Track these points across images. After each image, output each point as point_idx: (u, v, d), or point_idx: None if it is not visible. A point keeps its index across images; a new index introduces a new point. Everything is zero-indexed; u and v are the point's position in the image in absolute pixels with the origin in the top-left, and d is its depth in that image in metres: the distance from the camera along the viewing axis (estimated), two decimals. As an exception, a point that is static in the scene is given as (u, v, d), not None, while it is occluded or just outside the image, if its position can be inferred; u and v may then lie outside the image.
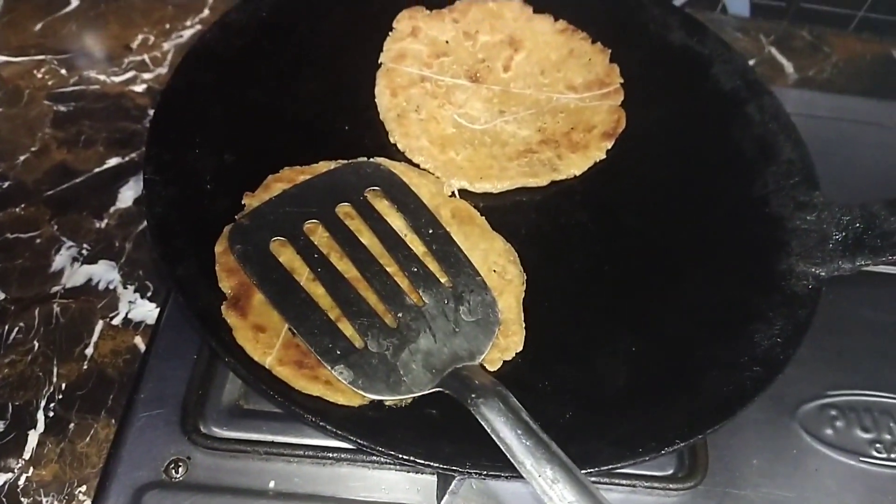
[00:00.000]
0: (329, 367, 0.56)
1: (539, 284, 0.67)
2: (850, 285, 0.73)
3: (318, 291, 0.61)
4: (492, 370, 0.60)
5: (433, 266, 0.63)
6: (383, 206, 0.67)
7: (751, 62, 1.13)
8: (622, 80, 0.81)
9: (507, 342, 0.62)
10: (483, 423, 0.52)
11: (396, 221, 0.66)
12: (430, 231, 0.65)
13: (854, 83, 1.14)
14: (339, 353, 0.57)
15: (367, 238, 0.64)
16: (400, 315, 0.59)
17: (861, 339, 0.80)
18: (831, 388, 0.77)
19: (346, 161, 0.71)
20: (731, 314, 0.65)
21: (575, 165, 0.75)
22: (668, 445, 0.55)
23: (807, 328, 0.64)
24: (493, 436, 0.52)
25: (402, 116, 0.77)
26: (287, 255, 0.62)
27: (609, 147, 0.77)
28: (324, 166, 0.70)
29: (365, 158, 0.71)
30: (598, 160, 0.76)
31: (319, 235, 0.65)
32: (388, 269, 0.62)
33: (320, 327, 0.58)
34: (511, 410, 0.52)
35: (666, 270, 0.69)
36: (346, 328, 0.59)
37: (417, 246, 0.65)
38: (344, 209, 0.66)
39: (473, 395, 0.53)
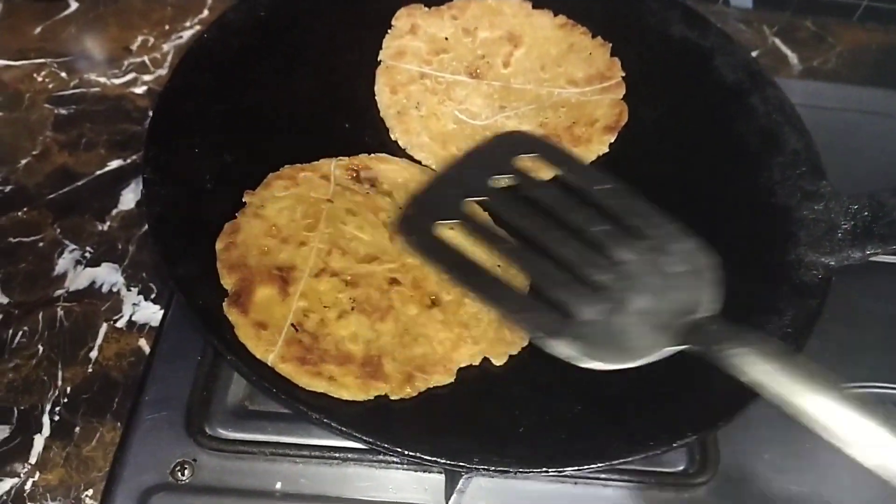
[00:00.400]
0: (546, 344, 0.51)
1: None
2: (859, 276, 0.72)
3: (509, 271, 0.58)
4: (498, 364, 0.60)
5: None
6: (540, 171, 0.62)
7: (754, 53, 1.13)
8: (623, 74, 0.80)
9: (514, 336, 0.61)
10: (740, 377, 0.47)
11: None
12: (603, 187, 0.59)
13: (859, 73, 1.13)
14: (553, 327, 0.51)
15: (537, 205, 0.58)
16: (604, 277, 0.53)
17: (872, 330, 0.79)
18: (843, 380, 0.76)
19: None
20: (740, 306, 0.64)
21: (578, 159, 0.75)
22: (679, 438, 0.55)
23: (817, 318, 0.63)
24: (757, 389, 0.46)
25: (403, 113, 0.76)
26: (460, 237, 0.58)
27: (611, 141, 0.76)
28: (325, 164, 0.70)
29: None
30: (600, 154, 0.76)
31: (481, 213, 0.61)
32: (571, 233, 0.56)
33: (525, 305, 0.54)
34: (774, 355, 0.46)
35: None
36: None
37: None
38: (502, 181, 0.60)
39: (723, 348, 0.48)
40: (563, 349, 0.51)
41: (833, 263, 0.66)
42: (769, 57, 1.14)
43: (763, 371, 0.46)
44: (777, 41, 1.16)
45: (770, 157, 0.75)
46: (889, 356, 0.77)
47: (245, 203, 0.66)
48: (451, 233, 0.58)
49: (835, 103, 1.03)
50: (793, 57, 1.15)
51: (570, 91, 0.79)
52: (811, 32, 1.18)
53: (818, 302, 0.64)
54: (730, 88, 0.80)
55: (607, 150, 0.75)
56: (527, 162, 0.61)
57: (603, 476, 0.67)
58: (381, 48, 0.81)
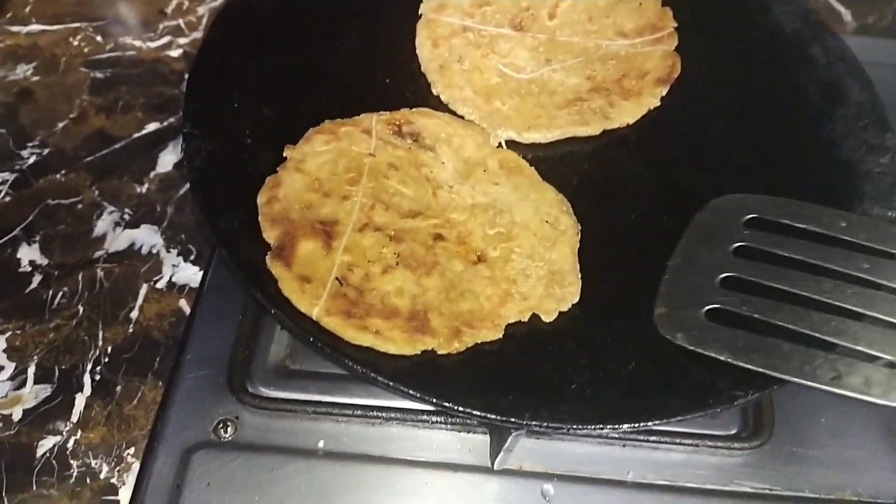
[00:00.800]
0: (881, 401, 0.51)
1: (594, 235, 0.64)
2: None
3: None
4: (548, 321, 0.57)
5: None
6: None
7: (807, 9, 1.08)
8: (675, 24, 0.77)
9: (564, 293, 0.59)
10: None
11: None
12: (867, 226, 0.59)
13: (917, 29, 1.08)
14: (879, 382, 0.51)
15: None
16: (875, 309, 0.54)
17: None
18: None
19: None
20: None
21: (628, 113, 0.72)
22: (740, 397, 0.52)
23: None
24: None
25: (445, 67, 0.74)
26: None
27: (663, 94, 0.73)
28: (366, 119, 0.68)
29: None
30: (651, 108, 0.72)
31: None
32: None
33: (814, 361, 0.53)
34: None
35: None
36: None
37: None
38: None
39: None
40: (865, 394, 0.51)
41: (900, 218, 0.63)
42: (822, 13, 1.08)
43: None
44: (831, -2, 1.11)
45: (832, 110, 0.71)
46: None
47: (285, 158, 0.64)
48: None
49: (891, 59, 0.98)
50: (846, 13, 1.10)
51: (619, 43, 0.76)
52: (866, -12, 1.13)
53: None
54: (788, 39, 0.76)
55: (659, 103, 0.72)
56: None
57: (653, 438, 0.65)
58: (421, 1, 0.78)
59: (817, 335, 0.54)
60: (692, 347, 0.54)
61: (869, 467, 0.66)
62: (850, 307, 0.55)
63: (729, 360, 0.53)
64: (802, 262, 0.57)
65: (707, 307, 0.56)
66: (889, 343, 0.53)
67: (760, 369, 0.53)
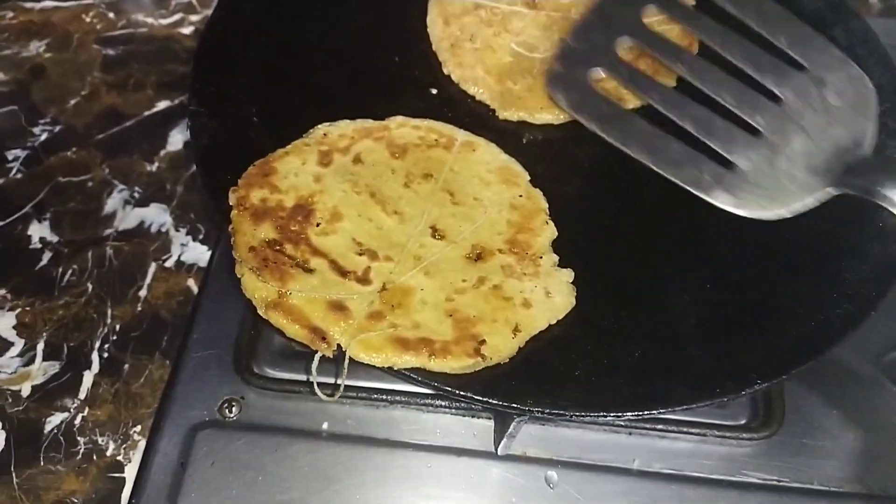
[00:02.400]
0: (706, 196, 0.52)
1: (605, 220, 0.63)
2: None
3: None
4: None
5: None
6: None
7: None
8: (694, 2, 0.75)
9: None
10: None
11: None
12: (758, 10, 0.56)
13: (947, 11, 1.05)
14: (710, 179, 0.51)
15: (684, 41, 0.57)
16: (762, 120, 0.52)
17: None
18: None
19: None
20: (817, 249, 0.60)
21: (642, 95, 0.70)
22: (748, 386, 0.51)
23: (901, 264, 0.58)
24: None
25: (456, 46, 0.73)
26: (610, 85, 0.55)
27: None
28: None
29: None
30: (667, 87, 0.70)
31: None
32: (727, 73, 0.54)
33: (680, 156, 0.52)
34: None
35: (742, 205, 0.64)
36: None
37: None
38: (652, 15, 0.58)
39: (884, 187, 0.46)
40: (721, 201, 0.50)
41: (920, 205, 0.61)
42: (848, -6, 1.06)
43: None
44: (857, -23, 1.08)
45: (853, 93, 0.69)
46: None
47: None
48: (604, 84, 0.55)
49: (918, 43, 0.94)
50: (873, -6, 1.07)
51: (634, 22, 0.74)
52: (895, -33, 1.09)
53: (903, 247, 0.59)
54: (810, 18, 0.73)
55: (675, 84, 0.70)
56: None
57: (660, 426, 0.64)
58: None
59: (697, 136, 0.53)
60: (570, 112, 0.54)
61: (879, 461, 0.65)
62: (746, 118, 0.53)
63: (596, 130, 0.54)
64: (710, 49, 0.55)
65: (596, 71, 0.55)
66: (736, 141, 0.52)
67: (614, 142, 0.54)
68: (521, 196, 0.62)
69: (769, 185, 0.49)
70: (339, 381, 0.52)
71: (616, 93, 0.55)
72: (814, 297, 0.57)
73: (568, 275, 0.57)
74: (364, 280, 0.55)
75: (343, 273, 0.55)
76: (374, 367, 0.51)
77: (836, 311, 0.56)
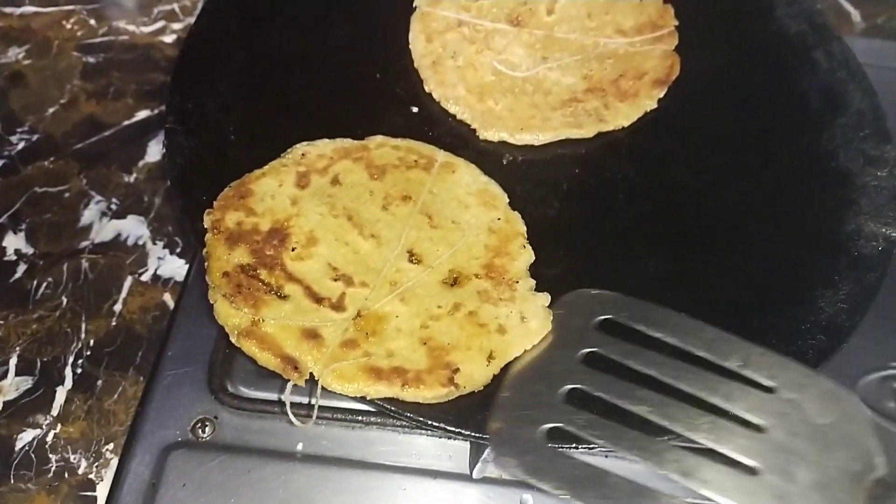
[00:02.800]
0: None
1: (583, 243, 0.62)
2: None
3: None
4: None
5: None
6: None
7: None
8: (676, 23, 0.75)
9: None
10: None
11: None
12: (706, 338, 0.51)
13: (929, 31, 1.05)
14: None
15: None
16: (756, 460, 0.46)
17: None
18: (895, 359, 0.72)
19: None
20: (792, 278, 0.60)
21: (623, 116, 0.70)
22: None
23: (875, 293, 0.59)
24: None
25: (438, 63, 0.72)
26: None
27: (661, 96, 0.71)
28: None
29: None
30: (648, 110, 0.70)
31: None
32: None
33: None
34: None
35: (720, 230, 0.64)
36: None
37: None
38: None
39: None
40: None
41: (895, 235, 0.61)
42: (830, 13, 1.06)
43: None
44: (840, -5, 1.09)
45: (832, 118, 0.69)
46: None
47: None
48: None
49: (899, 63, 0.95)
50: (855, 14, 1.08)
51: (617, 41, 0.74)
52: (878, -14, 1.10)
53: (877, 276, 0.60)
54: (792, 41, 0.74)
55: (656, 105, 0.70)
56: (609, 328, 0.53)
57: (636, 451, 0.64)
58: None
59: (659, 471, 0.47)
60: (526, 478, 0.47)
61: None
62: (699, 441, 0.48)
63: (564, 495, 0.46)
64: (654, 378, 0.50)
65: (547, 426, 0.49)
66: (736, 489, 0.46)
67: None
68: (499, 219, 0.61)
69: None
70: (312, 402, 0.51)
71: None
72: (789, 326, 0.57)
73: (544, 299, 0.57)
74: (338, 307, 0.54)
75: (318, 300, 0.54)
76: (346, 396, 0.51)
77: (810, 342, 0.56)
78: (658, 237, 0.64)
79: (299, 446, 0.64)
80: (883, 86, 0.73)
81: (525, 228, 0.61)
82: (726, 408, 0.48)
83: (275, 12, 0.73)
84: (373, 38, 0.74)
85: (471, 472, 0.62)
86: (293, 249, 0.56)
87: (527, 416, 0.49)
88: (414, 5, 0.76)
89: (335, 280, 0.56)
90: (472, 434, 0.50)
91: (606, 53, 0.74)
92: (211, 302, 0.53)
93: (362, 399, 0.51)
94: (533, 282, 0.58)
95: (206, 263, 0.55)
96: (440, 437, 0.65)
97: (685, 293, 0.60)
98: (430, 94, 0.71)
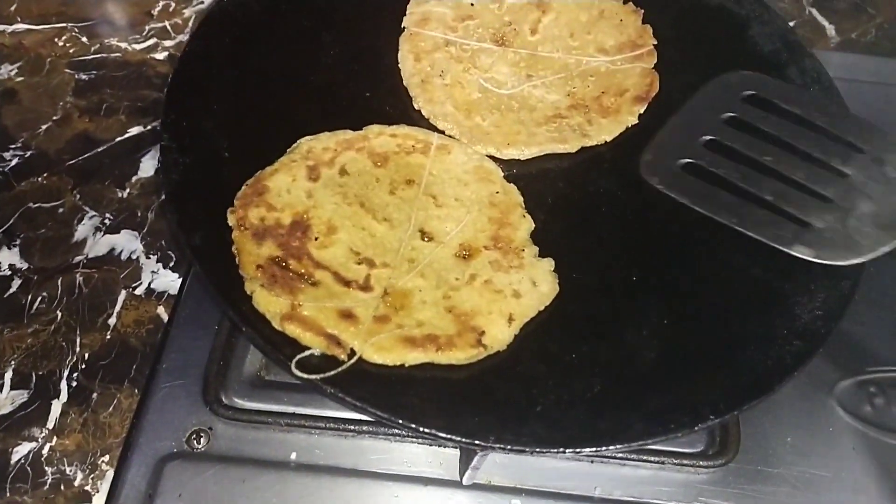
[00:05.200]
0: (788, 250, 0.61)
1: (566, 255, 0.64)
2: (893, 258, 0.70)
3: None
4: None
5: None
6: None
7: (790, 24, 1.08)
8: (655, 42, 0.77)
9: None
10: None
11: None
12: (821, 106, 0.70)
13: (900, 46, 1.09)
14: (790, 236, 0.61)
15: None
16: (831, 191, 0.64)
17: (905, 313, 0.77)
18: (871, 363, 0.74)
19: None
20: (770, 286, 0.62)
21: (606, 131, 0.72)
22: (701, 421, 0.53)
23: (850, 300, 0.61)
24: None
25: (426, 82, 0.74)
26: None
27: (641, 112, 0.73)
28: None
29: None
30: (629, 125, 0.73)
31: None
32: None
33: (763, 219, 0.63)
34: None
35: (700, 240, 0.66)
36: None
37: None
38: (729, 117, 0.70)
39: None
40: (803, 252, 0.60)
41: (868, 243, 0.64)
42: (806, 28, 1.10)
43: None
44: (814, 11, 1.12)
45: (806, 132, 0.72)
46: (922, 341, 0.75)
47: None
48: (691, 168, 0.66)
49: (873, 77, 0.98)
50: (830, 28, 1.11)
51: (599, 59, 0.77)
52: (850, 2, 1.13)
53: (851, 283, 0.62)
54: (766, 59, 0.77)
55: (637, 121, 0.73)
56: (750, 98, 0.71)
57: (620, 455, 0.66)
58: (404, 14, 0.78)
59: (776, 204, 0.64)
60: (663, 189, 0.65)
61: (832, 487, 0.67)
62: (817, 190, 0.64)
63: (688, 203, 0.64)
64: (782, 141, 0.67)
65: (685, 160, 0.66)
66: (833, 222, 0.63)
67: (709, 214, 0.64)
68: (497, 192, 0.66)
69: (843, 240, 0.61)
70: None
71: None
72: (766, 333, 0.59)
73: (549, 264, 0.62)
74: (366, 288, 0.59)
75: (346, 283, 0.58)
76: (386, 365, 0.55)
77: (786, 348, 0.58)
78: (640, 247, 0.66)
79: (293, 456, 0.65)
80: (856, 99, 0.76)
81: (522, 198, 0.67)
82: (824, 159, 0.66)
83: (267, 33, 0.75)
84: (362, 58, 0.76)
85: (461, 479, 0.64)
86: (316, 239, 0.61)
87: (671, 153, 0.68)
88: (402, 26, 0.78)
89: (359, 264, 0.60)
90: (463, 440, 0.52)
91: (589, 71, 0.76)
92: (248, 293, 0.57)
93: (356, 408, 0.52)
94: (536, 248, 0.63)
95: (237, 258, 0.58)
96: (431, 445, 0.66)
97: (667, 302, 0.62)
98: (419, 112, 0.73)
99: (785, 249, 0.61)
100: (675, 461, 0.66)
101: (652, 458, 0.66)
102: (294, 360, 0.53)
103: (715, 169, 0.66)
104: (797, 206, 0.63)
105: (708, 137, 0.68)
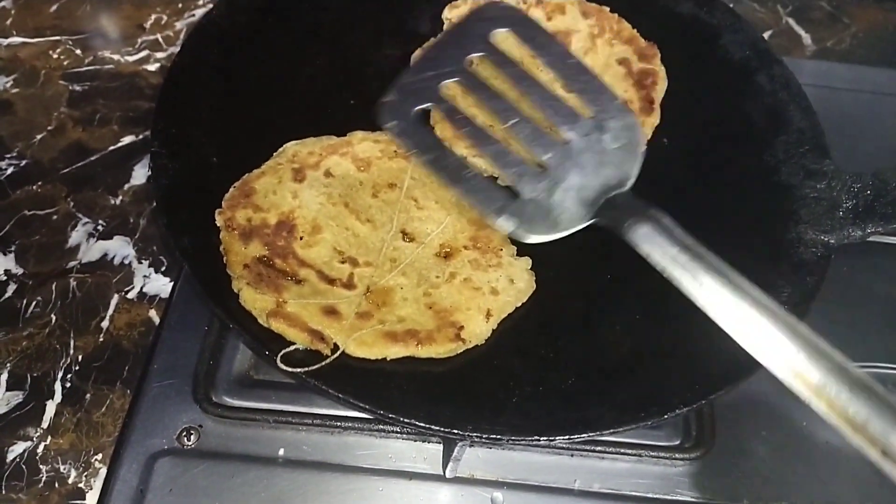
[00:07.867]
0: (493, 222, 0.59)
1: (543, 253, 0.66)
2: (862, 256, 0.72)
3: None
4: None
5: (572, 99, 0.63)
6: (512, 45, 0.67)
7: (767, 33, 1.12)
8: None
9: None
10: (637, 249, 0.52)
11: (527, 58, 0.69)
12: (562, 62, 0.65)
13: (874, 54, 1.11)
14: (499, 206, 0.59)
15: (504, 83, 0.65)
16: (549, 156, 0.60)
17: (873, 310, 0.79)
18: (844, 359, 0.76)
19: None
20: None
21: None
22: (670, 410, 0.55)
23: (815, 295, 0.63)
24: (648, 259, 0.52)
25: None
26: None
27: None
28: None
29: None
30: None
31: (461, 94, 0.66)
32: (529, 112, 0.63)
33: (476, 185, 0.60)
34: (664, 230, 0.52)
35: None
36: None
37: (551, 80, 0.66)
38: (477, 59, 0.67)
39: (627, 222, 0.54)
40: (504, 225, 0.57)
41: (833, 241, 0.66)
42: (783, 37, 1.13)
43: (650, 244, 0.52)
44: (791, 21, 1.15)
45: (775, 136, 0.74)
46: (887, 337, 0.77)
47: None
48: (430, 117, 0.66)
49: (848, 84, 1.01)
50: (806, 37, 1.14)
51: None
52: (826, 12, 1.16)
53: (816, 279, 0.64)
54: (737, 66, 0.79)
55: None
56: (501, 37, 0.67)
57: (599, 448, 0.68)
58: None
59: (495, 166, 0.62)
60: (396, 137, 0.63)
61: (805, 479, 0.69)
62: (537, 155, 0.61)
63: (416, 156, 0.63)
64: (517, 91, 0.64)
65: (423, 105, 0.64)
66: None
67: (433, 172, 0.63)
68: None
69: (543, 214, 0.58)
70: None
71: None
72: (733, 327, 0.61)
73: (526, 263, 0.65)
74: (349, 285, 0.61)
75: (330, 281, 0.61)
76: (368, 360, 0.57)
77: (752, 340, 0.60)
78: (615, 245, 0.68)
79: (281, 452, 0.67)
80: (831, 106, 0.79)
81: None
82: (551, 119, 0.62)
83: (254, 44, 0.77)
84: (346, 68, 0.79)
85: (444, 472, 0.66)
86: (301, 238, 0.63)
87: (410, 96, 0.64)
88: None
89: (342, 262, 0.62)
90: (441, 429, 0.54)
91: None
92: (236, 291, 0.59)
93: (338, 399, 0.54)
94: (514, 248, 0.65)
95: (224, 258, 0.60)
96: (415, 441, 0.68)
97: (640, 298, 0.64)
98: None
99: (489, 221, 0.59)
100: (652, 454, 0.68)
101: (630, 452, 0.68)
102: (279, 355, 0.55)
103: (448, 120, 0.64)
104: (515, 172, 0.60)
105: (450, 80, 0.64)
